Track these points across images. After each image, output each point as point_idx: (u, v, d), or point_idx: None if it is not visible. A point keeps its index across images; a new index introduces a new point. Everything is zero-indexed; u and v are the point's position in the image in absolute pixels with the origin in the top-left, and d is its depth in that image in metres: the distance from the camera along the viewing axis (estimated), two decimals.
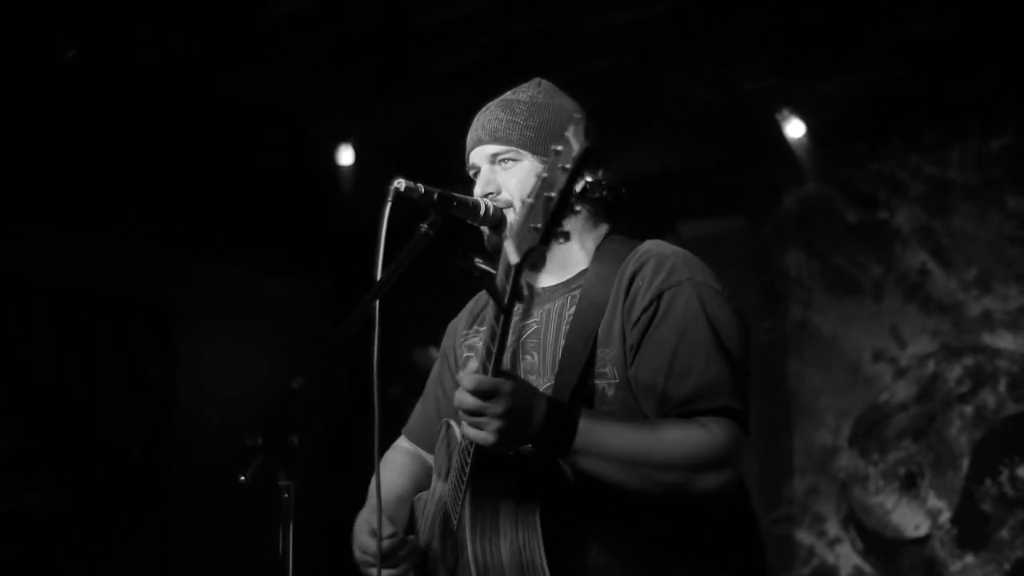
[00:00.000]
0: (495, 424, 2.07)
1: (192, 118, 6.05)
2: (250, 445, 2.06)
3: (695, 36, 5.26)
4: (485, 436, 2.08)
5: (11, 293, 6.21)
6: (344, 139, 6.12)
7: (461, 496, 2.22)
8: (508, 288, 2.02)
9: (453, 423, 2.40)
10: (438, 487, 2.47)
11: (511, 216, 2.46)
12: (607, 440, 2.16)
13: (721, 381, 2.25)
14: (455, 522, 2.27)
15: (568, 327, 2.38)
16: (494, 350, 2.10)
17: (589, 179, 2.48)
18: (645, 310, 2.31)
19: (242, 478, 2.05)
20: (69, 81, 5.43)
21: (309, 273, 7.65)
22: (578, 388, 2.29)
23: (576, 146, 1.84)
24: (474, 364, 2.54)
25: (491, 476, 2.20)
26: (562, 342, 2.38)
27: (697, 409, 2.23)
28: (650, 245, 2.42)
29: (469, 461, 2.19)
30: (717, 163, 6.64)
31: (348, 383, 7.20)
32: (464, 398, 2.08)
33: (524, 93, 2.57)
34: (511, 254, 1.98)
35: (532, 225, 1.92)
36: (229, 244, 7.12)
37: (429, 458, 2.72)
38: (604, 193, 2.48)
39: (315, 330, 7.49)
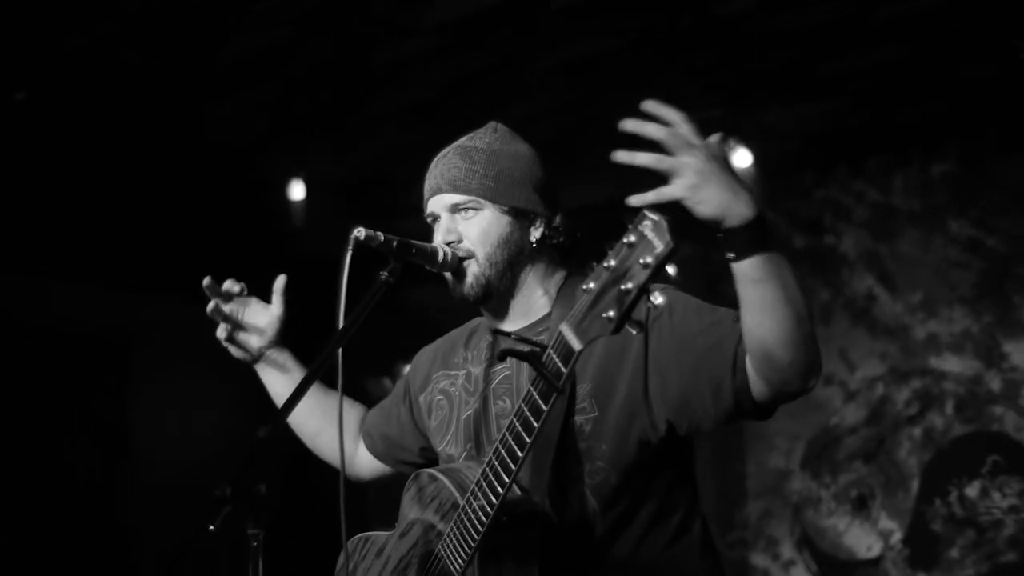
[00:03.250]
0: (704, 167, 1.99)
1: (142, 155, 6.04)
2: (218, 495, 2.08)
3: (642, 71, 5.32)
4: (693, 166, 1.99)
5: None
6: (295, 174, 6.15)
7: (468, 552, 2.27)
8: (565, 372, 2.04)
9: (432, 473, 2.45)
10: (411, 534, 2.50)
11: (473, 267, 2.49)
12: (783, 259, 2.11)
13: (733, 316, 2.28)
14: (456, 573, 2.32)
15: None
16: (536, 426, 2.13)
17: (547, 229, 2.54)
18: (646, 337, 2.35)
19: (211, 527, 2.07)
20: (17, 119, 5.42)
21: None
22: (564, 426, 2.35)
23: (660, 246, 1.85)
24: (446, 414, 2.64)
25: (500, 538, 2.26)
26: None
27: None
28: None
29: (481, 529, 2.23)
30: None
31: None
32: (684, 132, 2.00)
33: (481, 140, 2.58)
34: (573, 340, 2.00)
35: (604, 315, 1.92)
36: (180, 281, 7.06)
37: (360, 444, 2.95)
38: (562, 239, 2.53)
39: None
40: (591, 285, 1.96)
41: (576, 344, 2.00)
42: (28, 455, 6.38)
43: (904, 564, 6.10)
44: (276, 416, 2.22)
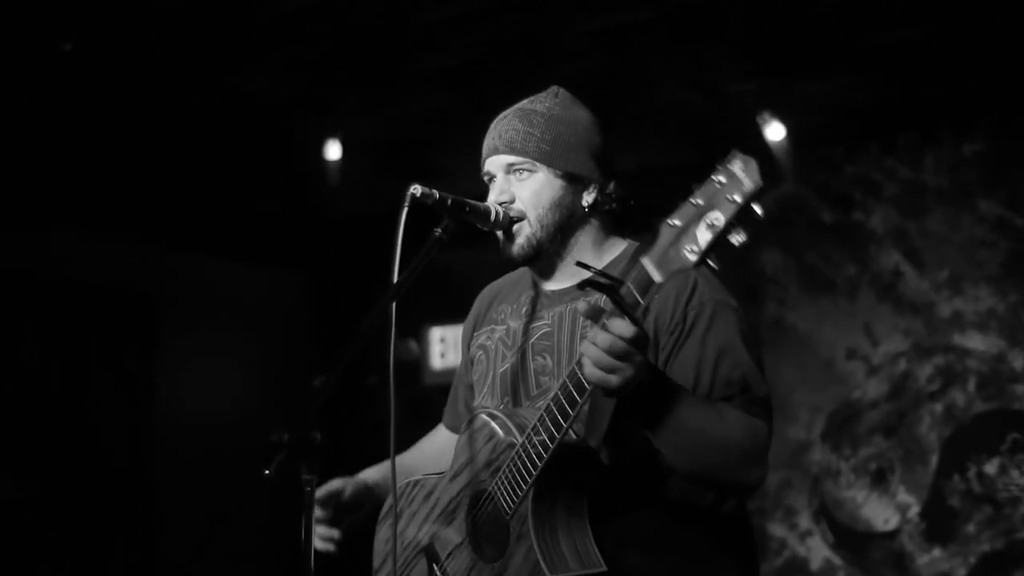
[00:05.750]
0: (629, 373, 2.12)
1: (178, 111, 6.07)
2: (275, 441, 2.15)
3: (678, 41, 5.34)
4: (611, 380, 2.12)
5: None
6: (332, 134, 6.18)
7: (523, 488, 2.32)
8: (643, 304, 2.07)
9: (491, 412, 2.50)
10: (463, 476, 2.55)
11: (525, 229, 2.55)
12: (686, 417, 2.25)
13: (753, 373, 2.40)
14: (507, 512, 2.37)
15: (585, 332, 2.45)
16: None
17: (600, 195, 2.58)
18: (672, 332, 2.43)
19: (266, 472, 2.14)
20: (55, 74, 5.45)
21: (291, 265, 7.69)
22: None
23: (750, 184, 1.89)
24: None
25: (555, 477, 2.31)
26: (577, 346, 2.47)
27: (739, 400, 2.37)
28: None
29: (539, 464, 2.28)
30: (697, 162, 6.73)
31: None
32: (616, 343, 2.09)
33: (542, 104, 2.63)
34: (654, 272, 2.03)
35: (686, 248, 1.96)
36: (212, 236, 7.14)
37: None
38: (615, 206, 2.58)
39: (298, 322, 7.54)
40: (676, 221, 1.99)
41: (657, 276, 2.03)
42: (56, 407, 6.45)
43: (920, 538, 6.16)
44: (331, 366, 2.27)
